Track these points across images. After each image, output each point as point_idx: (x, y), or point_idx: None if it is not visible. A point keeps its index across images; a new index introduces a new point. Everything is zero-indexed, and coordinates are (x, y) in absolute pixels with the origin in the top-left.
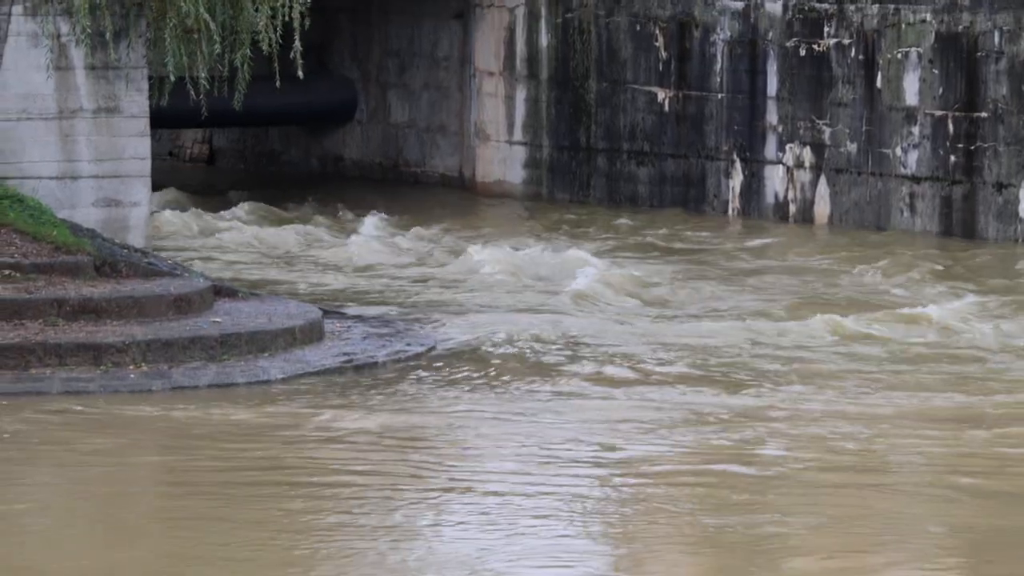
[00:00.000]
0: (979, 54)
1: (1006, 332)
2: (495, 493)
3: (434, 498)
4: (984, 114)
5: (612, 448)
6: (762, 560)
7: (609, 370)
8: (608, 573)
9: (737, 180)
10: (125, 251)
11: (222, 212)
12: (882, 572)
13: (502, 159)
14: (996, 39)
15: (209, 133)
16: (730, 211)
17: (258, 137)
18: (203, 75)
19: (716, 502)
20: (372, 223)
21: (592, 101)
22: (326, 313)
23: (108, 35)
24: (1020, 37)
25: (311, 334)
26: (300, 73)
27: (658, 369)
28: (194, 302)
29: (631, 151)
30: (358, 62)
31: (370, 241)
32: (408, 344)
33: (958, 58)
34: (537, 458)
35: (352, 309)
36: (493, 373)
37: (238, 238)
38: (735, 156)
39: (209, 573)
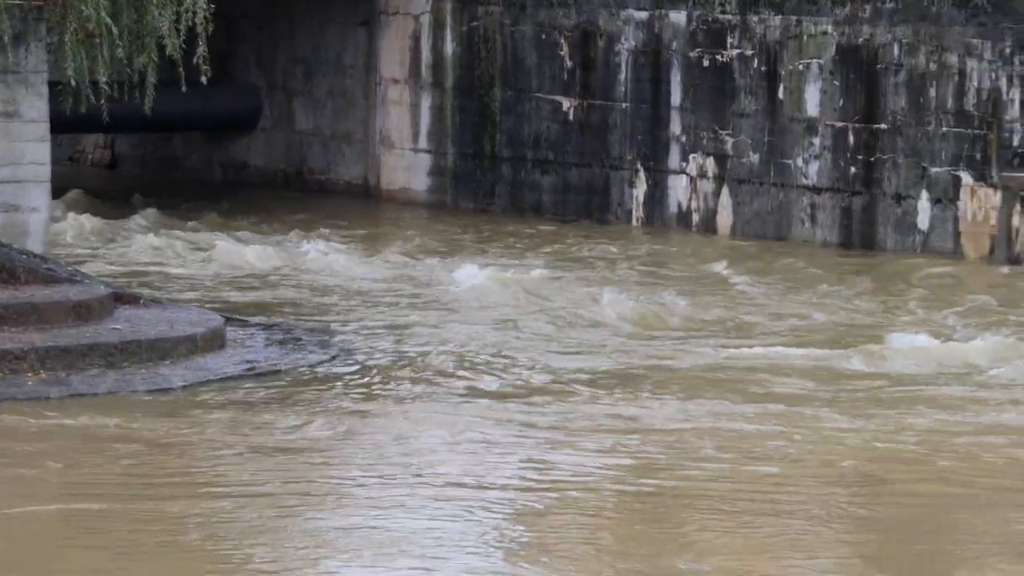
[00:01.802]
0: (879, 66)
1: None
2: (380, 504)
3: (316, 506)
4: (883, 126)
5: (527, 461)
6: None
7: (511, 379)
8: None
9: (641, 189)
10: (24, 257)
11: (123, 219)
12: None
13: (407, 167)
14: (895, 51)
15: (111, 138)
16: (633, 220)
17: (160, 143)
18: (104, 80)
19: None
20: (274, 231)
21: (497, 109)
22: (228, 321)
23: (6, 39)
24: (919, 50)
25: (213, 342)
26: (204, 79)
27: (550, 378)
28: (94, 309)
29: (535, 160)
30: (263, 69)
31: (274, 248)
32: (311, 352)
33: (858, 70)
34: (428, 469)
35: (255, 317)
36: (395, 382)
37: (139, 244)
38: (639, 165)
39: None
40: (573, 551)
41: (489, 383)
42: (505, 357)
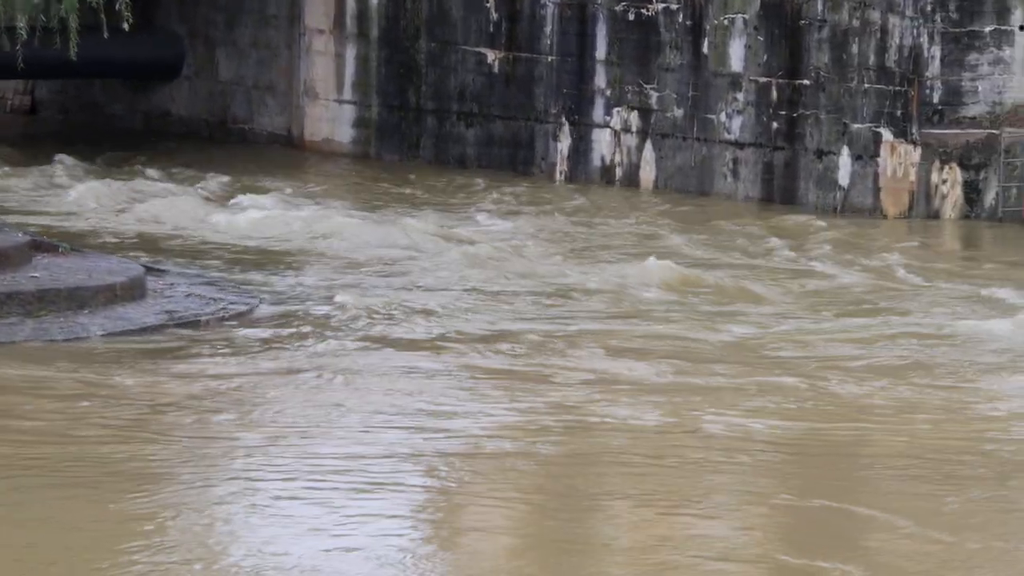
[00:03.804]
0: (803, 22)
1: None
2: (299, 453)
3: (229, 455)
4: (806, 82)
5: (425, 412)
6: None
7: (434, 332)
8: (416, 534)
9: (565, 143)
10: None
11: (42, 166)
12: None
13: (331, 118)
14: (819, 7)
15: (32, 84)
16: (557, 174)
17: (82, 89)
18: (21, 25)
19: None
20: (197, 180)
21: (422, 61)
22: (149, 270)
23: None
24: (842, 6)
25: (133, 291)
26: (126, 25)
27: (473, 329)
28: (11, 257)
29: (460, 112)
30: (185, 17)
31: (198, 198)
32: (232, 303)
33: (782, 25)
34: (342, 421)
35: (176, 267)
36: (316, 333)
37: (59, 192)
38: (563, 119)
39: None
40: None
41: (400, 336)
42: (422, 311)
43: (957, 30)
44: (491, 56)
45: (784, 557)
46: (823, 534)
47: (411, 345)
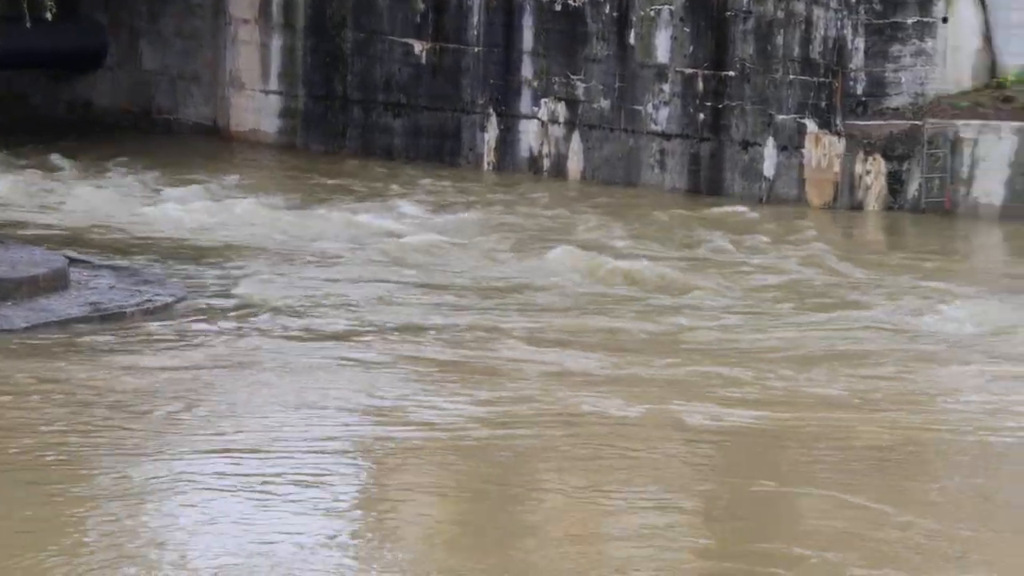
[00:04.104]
0: (728, 13)
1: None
2: (222, 444)
3: (153, 446)
4: (732, 73)
5: (350, 402)
6: None
7: (358, 324)
8: (350, 519)
9: (492, 134)
10: None
11: None
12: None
13: (256, 108)
14: None
15: None
16: (485, 165)
17: (3, 79)
18: None
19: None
20: (121, 171)
21: (348, 51)
22: (73, 262)
23: None
24: None
25: (56, 282)
26: (49, 15)
27: (400, 321)
28: None
29: (387, 102)
30: (108, 7)
31: (122, 190)
32: (157, 294)
33: (708, 17)
34: (269, 411)
35: (101, 259)
36: (241, 325)
37: None
38: (490, 110)
39: None
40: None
41: (325, 327)
42: (347, 303)
43: (880, 22)
44: (418, 47)
45: (711, 542)
46: (755, 517)
47: (336, 336)
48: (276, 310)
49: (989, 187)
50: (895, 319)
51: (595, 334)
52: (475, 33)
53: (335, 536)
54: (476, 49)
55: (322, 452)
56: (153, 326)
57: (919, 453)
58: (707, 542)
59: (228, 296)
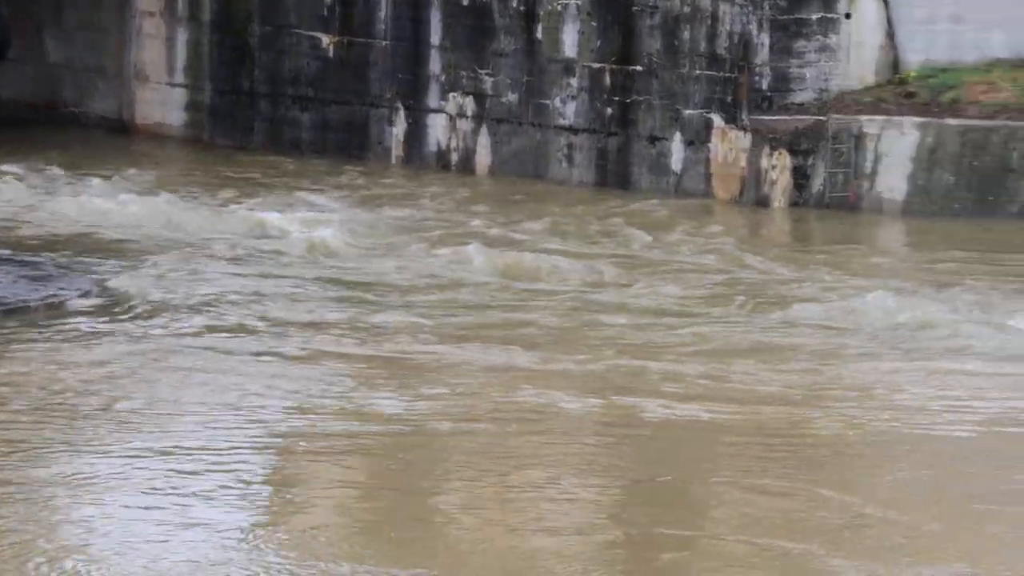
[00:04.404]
0: (635, 8)
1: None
2: (129, 437)
3: (58, 442)
4: (639, 68)
5: (254, 398)
6: None
7: (263, 319)
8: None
9: (400, 128)
10: None
11: None
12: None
13: (162, 102)
14: None
15: None
16: (393, 159)
17: None
18: None
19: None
20: (25, 165)
21: (255, 45)
22: None
23: None
24: None
25: None
26: None
27: (309, 318)
28: None
29: (294, 96)
30: None
31: (27, 183)
32: (62, 288)
33: (614, 11)
34: (174, 407)
35: (5, 253)
36: (146, 320)
37: None
38: (398, 104)
39: None
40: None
41: (230, 322)
42: (252, 298)
43: (785, 17)
44: (325, 40)
45: (628, 531)
46: (669, 507)
47: (239, 331)
48: (182, 306)
49: (892, 182)
50: (814, 313)
51: (510, 329)
52: (383, 27)
53: (245, 531)
54: (384, 43)
55: (231, 450)
56: (58, 320)
57: (855, 447)
58: (620, 533)
59: (134, 291)
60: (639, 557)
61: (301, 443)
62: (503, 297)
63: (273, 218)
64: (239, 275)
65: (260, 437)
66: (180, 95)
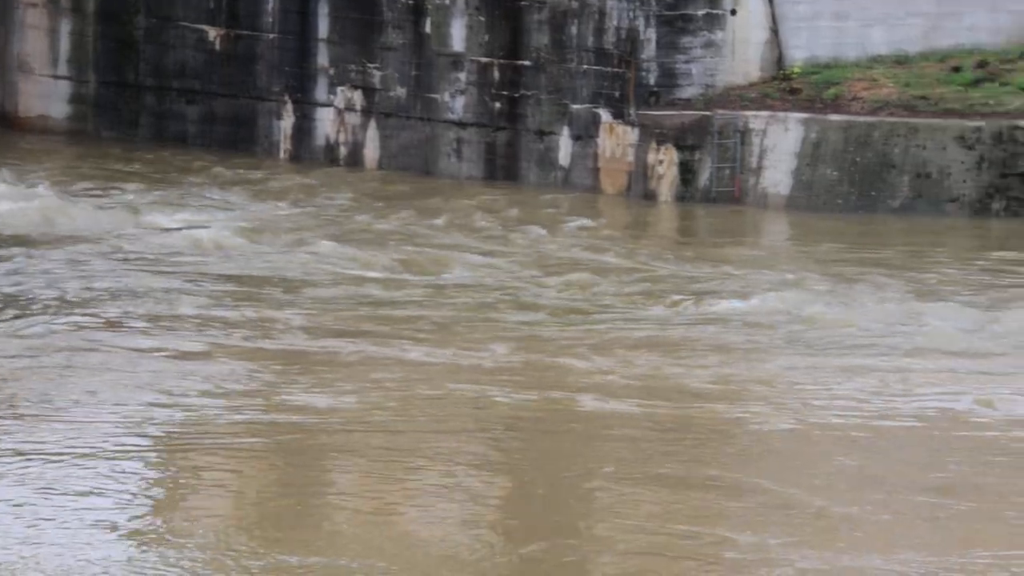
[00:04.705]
0: (522, 3)
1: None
2: (14, 433)
3: None
4: (527, 63)
5: (137, 392)
6: None
7: (144, 315)
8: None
9: (288, 122)
10: None
11: None
12: None
13: (45, 94)
14: None
15: None
16: (281, 153)
17: None
18: None
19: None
20: None
21: (140, 37)
22: None
23: None
24: None
25: None
26: None
27: (191, 313)
28: None
29: (180, 89)
30: None
31: None
32: None
33: (502, 6)
34: (59, 404)
35: None
36: (20, 316)
37: None
38: (286, 98)
39: None
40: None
41: (112, 318)
42: (131, 295)
43: (671, 13)
44: (212, 33)
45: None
46: (545, 499)
47: (119, 327)
48: (62, 301)
49: (777, 177)
50: (709, 309)
51: (401, 324)
52: (270, 20)
53: (124, 526)
54: (271, 36)
55: (111, 447)
56: None
57: (736, 436)
58: (514, 522)
59: (12, 287)
60: (515, 551)
61: (184, 438)
62: (392, 293)
63: (154, 212)
64: (120, 271)
65: (142, 433)
66: (64, 87)
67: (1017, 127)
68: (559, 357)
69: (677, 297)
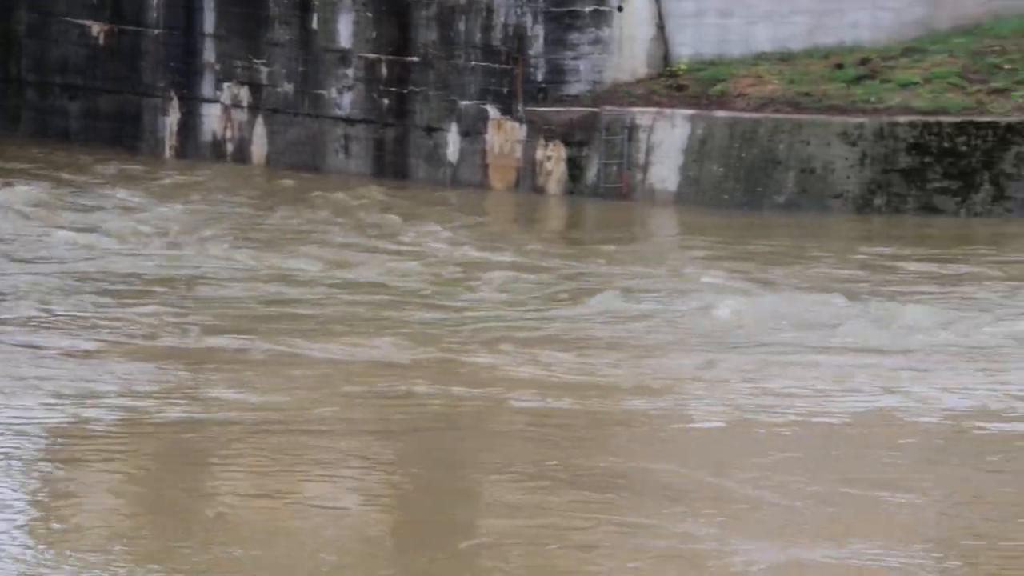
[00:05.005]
0: None
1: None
2: None
3: None
4: (415, 59)
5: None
6: None
7: (24, 313)
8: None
9: (174, 118)
10: None
11: None
12: None
13: None
14: None
15: None
16: (167, 149)
17: None
18: None
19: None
20: None
21: (22, 32)
22: None
23: None
24: None
25: None
26: None
27: (75, 311)
28: None
29: (63, 85)
30: None
31: None
32: None
33: (390, 3)
34: None
35: None
36: None
37: None
38: (172, 94)
39: None
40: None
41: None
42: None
43: (558, 10)
44: (95, 28)
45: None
46: (434, 495)
47: (6, 326)
48: None
49: (664, 173)
50: (601, 305)
51: (284, 322)
52: (155, 15)
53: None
54: (156, 31)
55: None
56: None
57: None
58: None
59: None
60: (404, 550)
61: (70, 438)
62: (283, 290)
63: (32, 210)
64: (1, 270)
65: (25, 433)
66: None
67: (898, 123)
68: (453, 354)
69: (567, 293)
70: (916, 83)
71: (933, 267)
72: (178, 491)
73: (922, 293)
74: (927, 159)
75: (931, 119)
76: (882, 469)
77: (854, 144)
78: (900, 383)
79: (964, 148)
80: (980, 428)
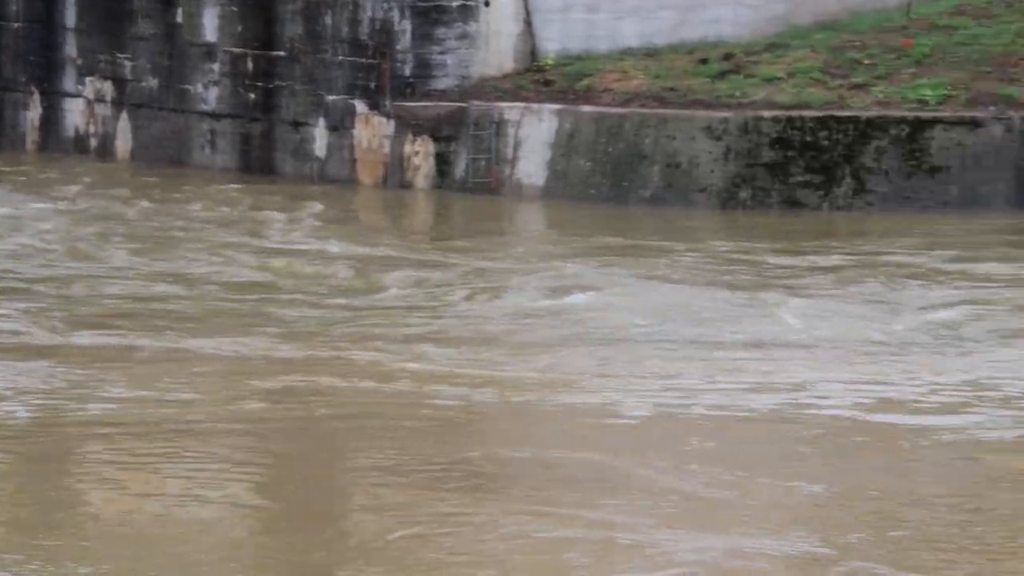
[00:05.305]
0: None
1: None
2: None
3: None
4: (281, 53)
5: None
6: None
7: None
8: None
9: (35, 113)
10: None
11: None
12: None
13: None
14: None
15: None
16: (28, 144)
17: None
18: None
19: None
20: None
21: None
22: None
23: None
24: None
25: None
26: None
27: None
28: None
29: None
30: None
31: None
32: None
33: None
34: None
35: None
36: None
37: None
38: (33, 88)
39: None
40: None
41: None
42: None
43: (425, 4)
44: None
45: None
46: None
47: None
48: None
49: (531, 168)
50: (479, 301)
51: (144, 319)
52: (14, 8)
53: None
54: (16, 25)
55: None
56: None
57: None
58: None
59: None
60: (274, 551)
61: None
62: (147, 288)
63: None
64: None
65: None
66: None
67: (762, 118)
68: (332, 351)
69: (441, 289)
70: (779, 78)
71: (799, 260)
72: (44, 494)
73: (798, 287)
74: (790, 153)
75: (794, 113)
76: (790, 463)
77: (719, 139)
78: (797, 376)
79: (826, 142)
80: (887, 420)
